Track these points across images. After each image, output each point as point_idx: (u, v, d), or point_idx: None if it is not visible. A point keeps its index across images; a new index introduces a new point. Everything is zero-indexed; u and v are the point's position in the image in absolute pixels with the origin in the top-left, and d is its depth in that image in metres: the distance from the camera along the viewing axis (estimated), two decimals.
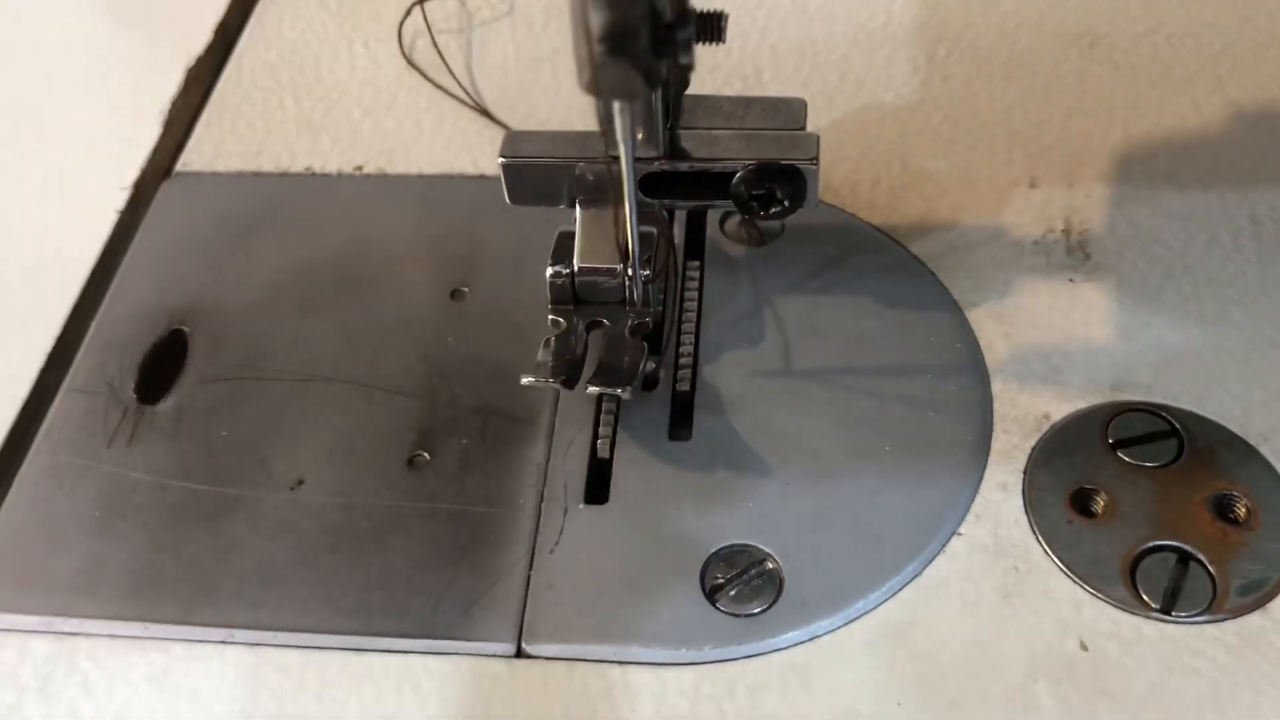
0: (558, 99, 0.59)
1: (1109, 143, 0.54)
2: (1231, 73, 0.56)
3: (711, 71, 0.59)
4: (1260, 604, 0.39)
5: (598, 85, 0.34)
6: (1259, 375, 0.45)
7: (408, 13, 0.63)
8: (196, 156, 0.58)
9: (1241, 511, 0.41)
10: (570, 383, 0.42)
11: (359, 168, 0.57)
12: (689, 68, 0.39)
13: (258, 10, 0.66)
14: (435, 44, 0.61)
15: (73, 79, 0.63)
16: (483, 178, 0.55)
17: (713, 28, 0.40)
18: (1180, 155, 0.53)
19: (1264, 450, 0.43)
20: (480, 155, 0.56)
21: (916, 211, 0.52)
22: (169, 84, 0.61)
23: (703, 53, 0.58)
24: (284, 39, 0.64)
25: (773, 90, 0.58)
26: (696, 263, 0.50)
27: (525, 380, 0.42)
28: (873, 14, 0.61)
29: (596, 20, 0.33)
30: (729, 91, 0.58)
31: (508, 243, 0.52)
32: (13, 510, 0.45)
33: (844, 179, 0.53)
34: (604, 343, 0.44)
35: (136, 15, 0.66)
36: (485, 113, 0.58)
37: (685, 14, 0.35)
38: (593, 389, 0.42)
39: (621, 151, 0.39)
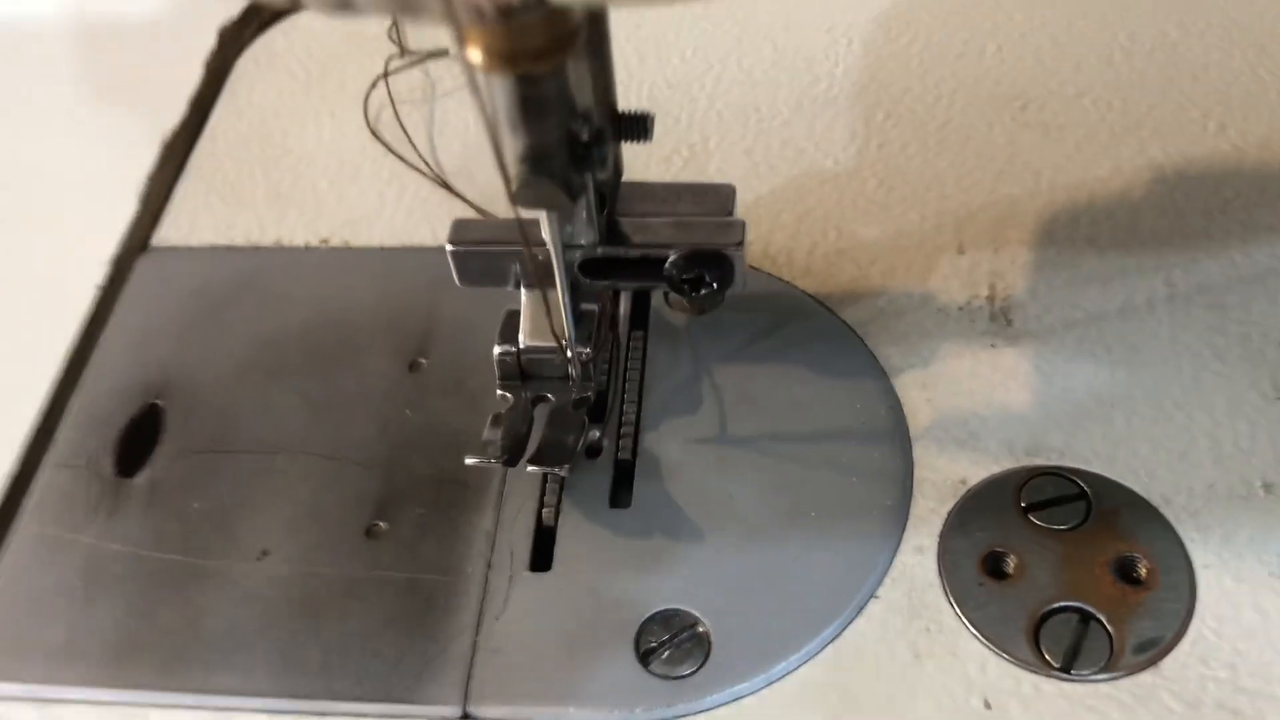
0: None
1: (1034, 206, 0.57)
2: (1153, 135, 0.59)
3: (661, 139, 0.62)
4: (1153, 661, 0.42)
5: (519, 200, 0.37)
6: (1165, 438, 0.48)
7: (373, 85, 0.66)
8: (172, 230, 0.61)
9: (1142, 572, 0.44)
10: (513, 460, 0.45)
11: (325, 240, 0.60)
12: (615, 177, 0.42)
13: (230, 81, 0.69)
14: (398, 115, 0.64)
15: (54, 155, 0.66)
16: (440, 249, 0.58)
17: (638, 129, 0.43)
18: (1101, 219, 0.56)
19: (1166, 512, 0.45)
20: (439, 226, 0.59)
21: (849, 278, 0.55)
22: (146, 157, 0.64)
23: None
24: (254, 110, 0.67)
25: (717, 157, 0.61)
26: (640, 332, 0.53)
27: (470, 460, 0.45)
28: (816, 79, 0.64)
29: (513, 143, 0.36)
30: (677, 159, 0.61)
31: (463, 313, 0.55)
32: (0, 582, 0.48)
33: (781, 247, 0.56)
34: (547, 419, 0.47)
35: (115, 89, 0.69)
36: (444, 184, 0.61)
37: (602, 132, 0.38)
38: (532, 468, 0.45)
39: (551, 252, 0.42)
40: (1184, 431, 0.48)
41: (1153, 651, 0.42)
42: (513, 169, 0.37)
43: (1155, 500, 0.46)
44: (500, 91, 0.35)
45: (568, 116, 0.37)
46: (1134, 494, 0.46)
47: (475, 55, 0.33)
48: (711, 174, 0.60)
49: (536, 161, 0.37)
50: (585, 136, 0.37)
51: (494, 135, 0.36)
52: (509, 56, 0.32)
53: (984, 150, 0.60)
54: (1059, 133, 0.60)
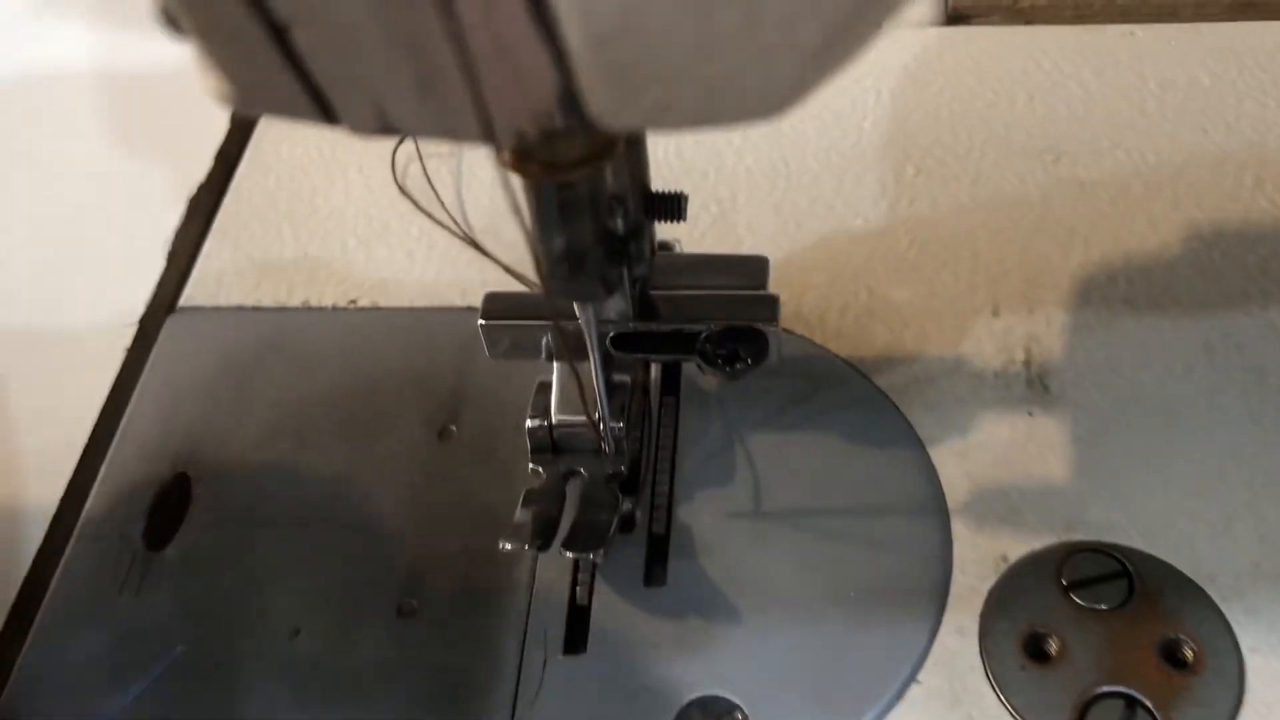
0: None
1: (1069, 265, 0.56)
2: (1189, 190, 0.58)
3: (690, 194, 0.61)
4: None
5: (556, 295, 0.37)
6: (1206, 511, 0.47)
7: (401, 139, 0.65)
8: (199, 290, 0.61)
9: (1189, 655, 0.43)
10: (545, 545, 0.44)
11: (353, 301, 0.59)
12: (644, 275, 0.41)
13: (256, 135, 0.68)
14: (425, 171, 0.64)
15: (79, 210, 0.66)
16: (470, 310, 0.57)
17: (673, 209, 0.43)
18: (1137, 278, 0.55)
19: (1210, 590, 0.45)
20: (468, 286, 0.59)
21: (882, 341, 0.54)
22: (172, 214, 0.64)
23: (682, 179, 0.61)
24: (282, 164, 0.67)
25: (746, 213, 0.60)
26: (672, 398, 0.53)
27: (503, 546, 0.44)
28: (844, 133, 0.63)
29: (550, 243, 0.36)
30: (706, 215, 0.60)
31: (494, 377, 0.54)
32: (30, 661, 0.48)
33: (813, 308, 0.55)
34: (580, 497, 0.46)
35: (139, 143, 0.69)
36: (474, 243, 0.60)
37: (639, 226, 0.38)
38: (567, 554, 0.44)
39: (584, 330, 0.42)
40: (1225, 505, 0.47)
41: None
42: (548, 267, 0.37)
43: (1199, 579, 0.45)
44: (536, 196, 0.34)
45: (604, 215, 0.36)
46: (1177, 572, 0.45)
47: (511, 162, 0.33)
48: (740, 231, 0.59)
49: (573, 260, 0.36)
50: (621, 230, 0.37)
51: (531, 238, 0.36)
52: (548, 166, 0.32)
53: (1016, 206, 0.59)
54: (1093, 187, 0.59)
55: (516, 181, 0.35)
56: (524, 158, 0.33)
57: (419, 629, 0.47)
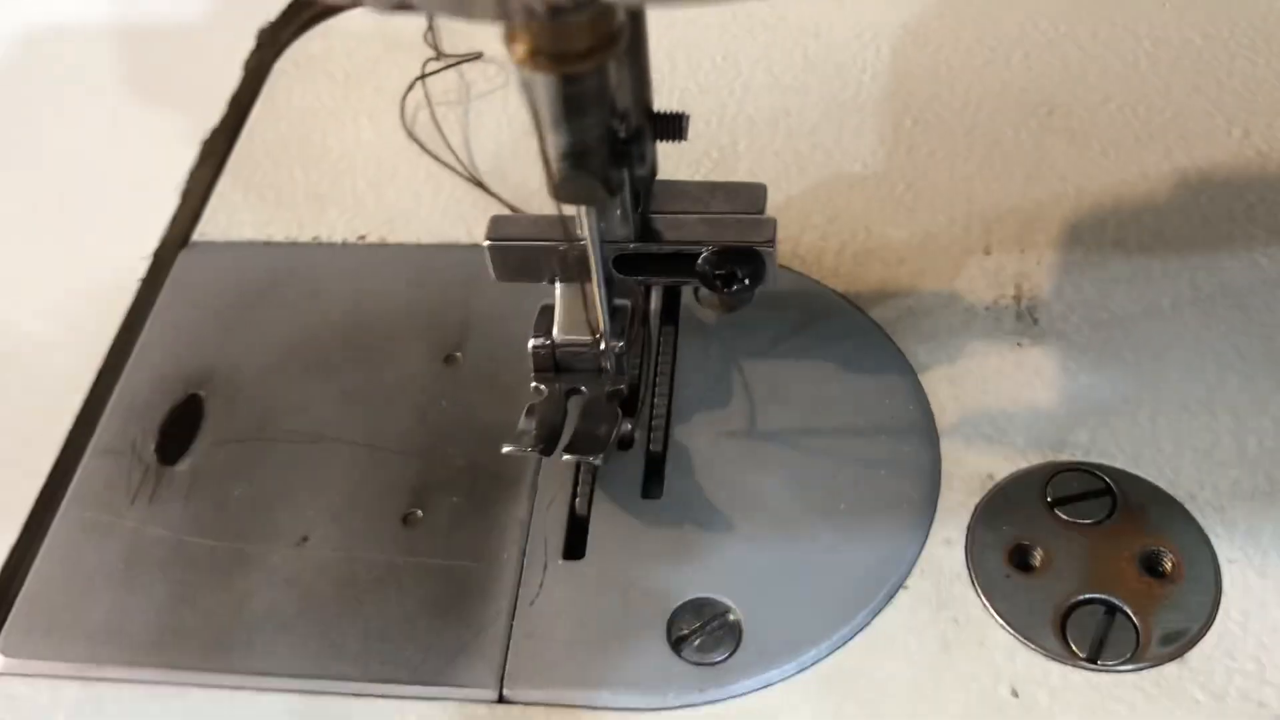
0: None
1: (1061, 210, 0.57)
2: (1179, 141, 0.60)
3: (691, 141, 0.62)
4: (1179, 653, 0.42)
5: (560, 194, 0.39)
6: (1189, 435, 0.48)
7: (410, 87, 0.67)
8: (212, 226, 0.63)
9: (1168, 565, 0.45)
10: (548, 450, 0.46)
11: (362, 237, 0.61)
12: (650, 175, 0.43)
13: (268, 83, 0.70)
14: (434, 117, 0.66)
15: (97, 153, 0.67)
16: (476, 247, 0.59)
17: (673, 128, 0.44)
18: (1127, 222, 0.57)
19: (1191, 507, 0.46)
20: (474, 225, 0.60)
21: (877, 278, 0.55)
22: (186, 156, 0.65)
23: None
24: (293, 111, 0.68)
25: (747, 159, 0.62)
26: (671, 328, 0.54)
27: (506, 449, 0.46)
28: (844, 85, 0.65)
29: (555, 139, 0.37)
30: (708, 160, 0.62)
31: (497, 309, 0.56)
32: (45, 564, 0.50)
33: (810, 247, 0.57)
34: (581, 410, 0.48)
35: (155, 90, 0.71)
36: (479, 184, 0.62)
37: (640, 131, 0.39)
38: (567, 457, 0.46)
39: (589, 245, 0.43)
40: (1208, 430, 0.48)
41: (1179, 643, 0.42)
42: (554, 164, 0.38)
43: (1180, 496, 0.46)
44: (544, 90, 0.36)
45: (608, 114, 0.38)
46: (1159, 490, 0.47)
47: (521, 55, 0.34)
48: (741, 176, 0.61)
49: (577, 157, 0.38)
50: (624, 133, 0.38)
51: (538, 131, 0.37)
52: (555, 56, 0.34)
53: (1011, 155, 0.60)
54: (1085, 138, 0.61)
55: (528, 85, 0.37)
56: (534, 51, 0.35)
57: (423, 537, 0.48)
